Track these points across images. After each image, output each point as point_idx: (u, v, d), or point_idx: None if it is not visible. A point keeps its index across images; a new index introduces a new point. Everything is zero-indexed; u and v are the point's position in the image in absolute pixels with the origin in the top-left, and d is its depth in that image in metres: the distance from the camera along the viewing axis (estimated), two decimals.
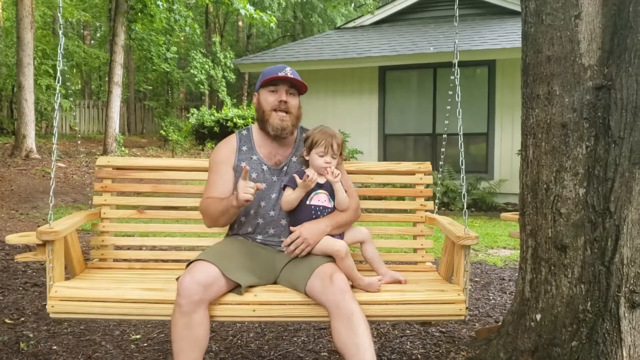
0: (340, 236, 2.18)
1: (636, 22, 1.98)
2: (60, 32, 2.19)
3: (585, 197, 2.07)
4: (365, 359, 1.79)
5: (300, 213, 2.14)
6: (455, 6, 2.47)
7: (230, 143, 2.29)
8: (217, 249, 2.12)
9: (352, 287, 1.99)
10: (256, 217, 2.21)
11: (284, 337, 2.92)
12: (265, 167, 2.23)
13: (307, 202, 2.13)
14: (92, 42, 25.81)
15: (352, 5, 21.73)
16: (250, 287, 2.02)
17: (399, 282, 2.17)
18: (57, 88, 2.16)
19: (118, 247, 2.59)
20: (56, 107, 2.17)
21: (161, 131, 16.75)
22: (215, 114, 12.67)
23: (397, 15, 10.85)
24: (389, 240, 2.63)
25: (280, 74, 2.19)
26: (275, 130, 2.20)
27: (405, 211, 2.61)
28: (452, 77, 2.38)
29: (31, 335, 2.87)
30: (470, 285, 2.20)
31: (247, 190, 1.98)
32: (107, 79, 15.97)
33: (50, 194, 2.09)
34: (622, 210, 1.98)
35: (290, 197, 2.11)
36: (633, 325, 1.96)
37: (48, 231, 1.97)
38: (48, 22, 18.36)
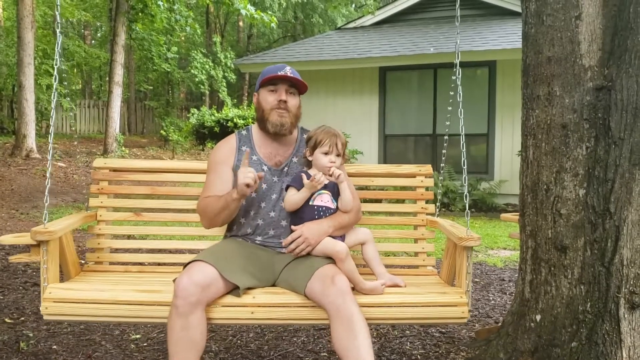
0: (342, 238, 2.15)
1: (636, 23, 1.98)
2: (58, 31, 2.17)
3: (585, 198, 2.07)
4: None
5: (302, 213, 2.11)
6: (457, 6, 2.46)
7: (229, 143, 2.26)
8: (215, 249, 2.08)
9: (353, 289, 1.95)
10: (256, 218, 2.18)
11: (283, 338, 2.91)
12: (265, 168, 2.21)
13: (310, 203, 2.11)
14: (93, 42, 25.81)
15: (353, 5, 21.70)
16: (249, 289, 1.99)
17: (398, 286, 2.12)
18: (54, 86, 2.13)
19: (114, 250, 2.57)
20: (53, 106, 2.15)
21: (161, 131, 16.74)
22: (216, 114, 12.64)
23: (397, 15, 10.86)
24: (389, 243, 2.60)
25: (279, 73, 2.16)
26: (275, 126, 2.17)
27: (406, 214, 2.58)
28: (453, 78, 2.35)
29: (31, 334, 2.87)
30: (471, 285, 2.20)
31: (246, 174, 1.94)
32: (107, 78, 15.97)
33: (46, 193, 2.07)
34: (622, 211, 1.98)
35: (295, 197, 2.08)
36: (633, 326, 1.96)
37: (42, 231, 1.95)
38: (49, 22, 18.33)
